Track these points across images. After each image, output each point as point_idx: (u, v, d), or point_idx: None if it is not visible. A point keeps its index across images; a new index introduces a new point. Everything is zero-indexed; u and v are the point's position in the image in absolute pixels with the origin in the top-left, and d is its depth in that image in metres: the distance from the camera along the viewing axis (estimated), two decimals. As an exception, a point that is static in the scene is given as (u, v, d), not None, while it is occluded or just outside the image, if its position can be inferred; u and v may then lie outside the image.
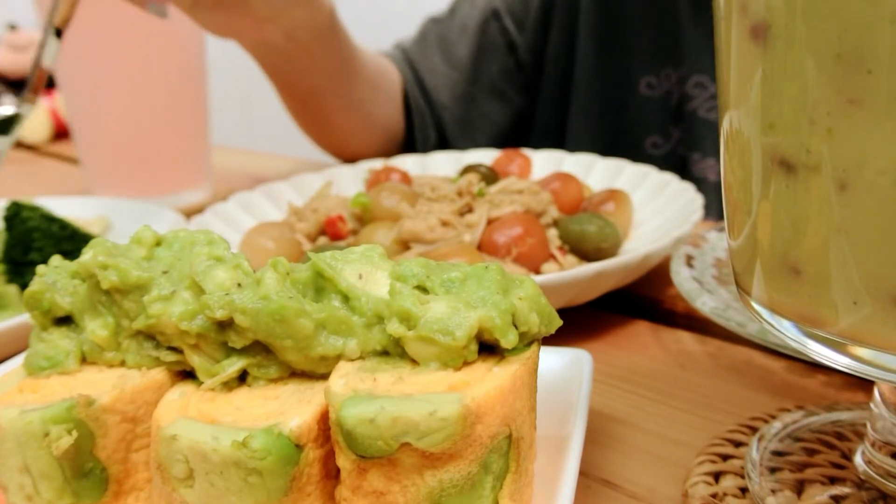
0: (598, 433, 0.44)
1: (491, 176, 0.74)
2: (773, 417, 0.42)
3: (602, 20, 1.10)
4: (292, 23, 0.87)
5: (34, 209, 0.69)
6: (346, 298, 0.34)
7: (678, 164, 1.10)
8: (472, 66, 1.12)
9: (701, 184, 1.06)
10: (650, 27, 1.08)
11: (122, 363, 0.36)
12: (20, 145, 1.52)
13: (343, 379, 0.32)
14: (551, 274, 0.53)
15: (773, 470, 0.37)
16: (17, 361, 0.43)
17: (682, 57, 1.07)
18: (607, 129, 1.13)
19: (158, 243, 0.38)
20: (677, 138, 1.10)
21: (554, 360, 0.43)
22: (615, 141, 1.12)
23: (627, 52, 1.10)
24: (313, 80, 0.97)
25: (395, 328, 0.32)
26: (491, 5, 1.12)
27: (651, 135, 1.12)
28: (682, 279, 0.57)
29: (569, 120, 1.17)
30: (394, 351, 0.33)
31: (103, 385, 0.35)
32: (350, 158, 1.04)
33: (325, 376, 0.34)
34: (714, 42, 0.32)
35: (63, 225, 0.69)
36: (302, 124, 1.08)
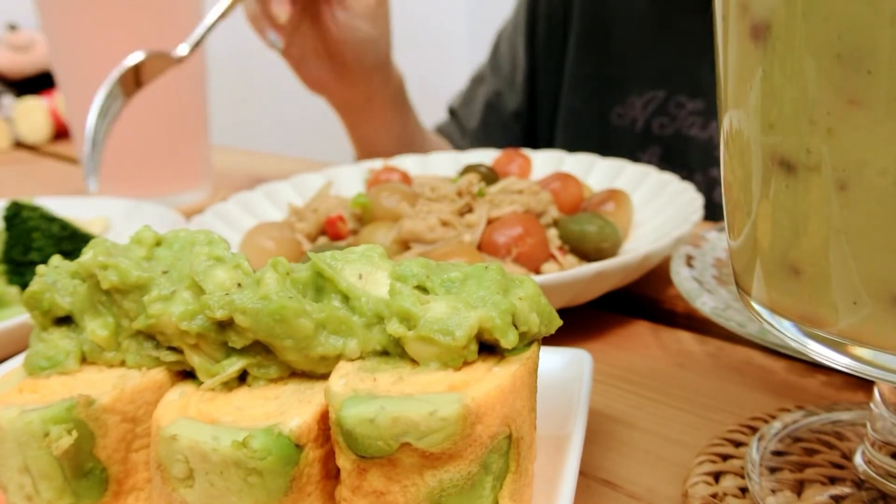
0: (598, 433, 0.44)
1: (491, 176, 0.74)
2: (773, 417, 0.42)
3: (586, 59, 1.18)
4: (371, 87, 1.04)
5: (34, 209, 0.69)
6: (346, 298, 0.34)
7: None
8: (482, 135, 1.30)
9: None
10: (629, 58, 1.14)
11: (122, 363, 0.36)
12: (20, 145, 1.52)
13: (343, 379, 0.32)
14: (551, 274, 0.53)
15: (773, 470, 0.37)
16: (17, 361, 0.43)
17: (656, 82, 1.12)
18: None
19: (158, 243, 0.38)
20: (647, 162, 1.14)
21: (554, 360, 0.43)
22: None
23: (602, 86, 1.17)
24: (383, 141, 1.12)
25: (395, 328, 0.32)
26: (493, 89, 1.29)
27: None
28: (682, 279, 0.57)
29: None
30: (394, 351, 0.33)
31: (103, 385, 0.35)
32: None
33: (325, 376, 0.34)
34: (714, 42, 0.32)
35: (63, 225, 0.69)
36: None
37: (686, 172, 1.10)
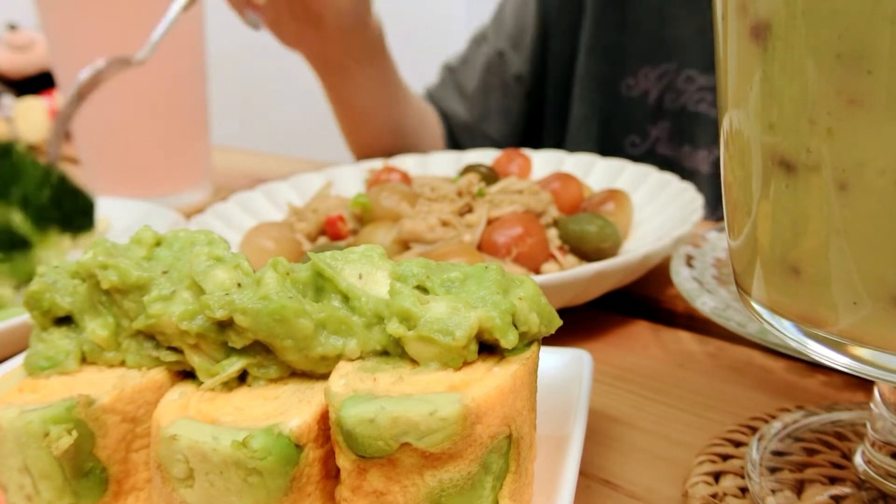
0: (598, 433, 0.44)
1: (491, 176, 0.74)
2: (773, 417, 0.42)
3: (601, 30, 1.14)
4: (351, 43, 0.99)
5: (27, 154, 0.68)
6: (346, 298, 0.34)
7: (657, 162, 1.12)
8: (481, 96, 1.25)
9: (694, 176, 1.08)
10: (641, 29, 1.11)
11: (122, 363, 0.36)
12: (20, 145, 1.52)
13: (343, 379, 0.32)
14: (551, 274, 0.53)
15: (773, 470, 0.37)
16: (17, 361, 0.43)
17: (670, 53, 1.09)
18: (594, 132, 1.18)
19: (158, 243, 0.38)
20: (656, 136, 1.13)
21: (554, 360, 0.43)
22: (601, 143, 1.17)
23: (617, 55, 1.14)
24: (365, 101, 1.07)
25: (395, 328, 0.32)
26: (495, 48, 1.24)
27: (629, 135, 1.16)
28: (682, 279, 0.57)
29: (568, 129, 1.22)
30: (394, 351, 0.33)
31: (103, 385, 0.35)
32: None
33: (325, 376, 0.34)
34: (713, 42, 0.32)
35: (49, 171, 0.68)
36: (352, 144, 1.17)
37: (691, 148, 1.09)
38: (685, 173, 1.06)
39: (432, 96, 1.30)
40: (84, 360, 0.37)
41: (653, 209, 0.72)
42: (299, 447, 0.30)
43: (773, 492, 0.35)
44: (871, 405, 0.35)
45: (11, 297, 0.66)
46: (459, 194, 0.68)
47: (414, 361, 0.33)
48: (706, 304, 0.53)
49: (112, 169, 1.02)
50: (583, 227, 0.63)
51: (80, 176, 1.12)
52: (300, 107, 2.43)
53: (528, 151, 0.86)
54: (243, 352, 0.34)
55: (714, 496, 0.36)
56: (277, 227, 0.69)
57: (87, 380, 0.35)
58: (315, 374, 0.34)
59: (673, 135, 1.10)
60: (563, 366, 0.43)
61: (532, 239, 0.60)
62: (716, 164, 1.04)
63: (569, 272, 0.53)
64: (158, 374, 0.35)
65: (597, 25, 1.14)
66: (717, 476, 0.38)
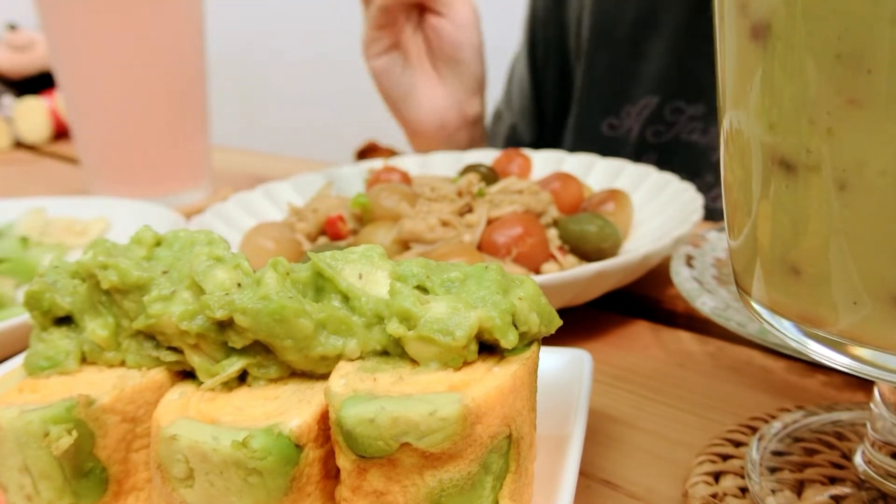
0: (598, 433, 0.44)
1: (491, 176, 0.74)
2: (773, 417, 0.42)
3: (586, 75, 1.17)
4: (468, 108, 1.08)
5: None
6: (346, 298, 0.34)
7: None
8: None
9: None
10: (624, 67, 1.13)
11: (122, 363, 0.36)
12: (20, 145, 1.53)
13: (343, 379, 0.32)
14: (551, 274, 0.53)
15: (773, 470, 0.37)
16: (17, 361, 0.43)
17: (652, 88, 1.10)
18: None
19: (158, 243, 0.38)
20: None
21: (554, 360, 0.43)
22: None
23: (603, 97, 1.16)
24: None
25: (395, 328, 0.32)
26: (509, 123, 1.30)
27: None
28: (682, 279, 0.57)
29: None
30: (394, 351, 0.33)
31: (103, 385, 0.35)
32: None
33: (325, 376, 0.34)
34: (714, 42, 0.32)
35: None
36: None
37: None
38: None
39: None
40: (84, 360, 0.37)
41: (653, 209, 0.72)
42: (299, 447, 0.30)
43: (773, 492, 0.35)
44: (871, 405, 0.35)
45: (11, 296, 0.66)
46: (459, 194, 0.68)
47: (414, 361, 0.33)
48: (706, 304, 0.53)
49: (112, 169, 1.02)
50: (583, 227, 0.63)
51: (80, 176, 1.12)
52: (300, 107, 2.43)
53: (528, 151, 0.86)
54: (243, 352, 0.34)
55: (714, 496, 0.36)
56: (277, 227, 0.69)
57: (87, 380, 0.35)
58: (315, 374, 0.34)
59: (661, 166, 1.12)
60: (563, 366, 0.43)
61: (532, 239, 0.60)
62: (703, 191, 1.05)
63: (569, 272, 0.53)
64: (158, 374, 0.35)
65: (581, 75, 1.17)
66: (717, 476, 0.38)
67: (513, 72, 1.33)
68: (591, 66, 1.15)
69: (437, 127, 1.09)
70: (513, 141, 1.29)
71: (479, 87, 1.10)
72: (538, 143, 1.27)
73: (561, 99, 1.24)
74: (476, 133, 1.13)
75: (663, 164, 1.06)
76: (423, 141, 1.11)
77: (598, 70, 1.14)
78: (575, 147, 1.17)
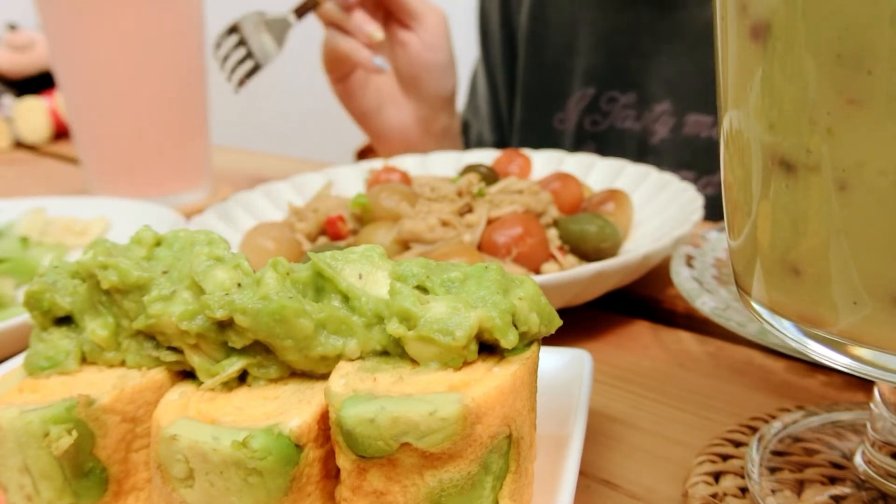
0: (598, 433, 0.44)
1: (491, 176, 0.74)
2: (773, 417, 0.42)
3: (530, 71, 1.20)
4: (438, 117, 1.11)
5: None
6: (346, 298, 0.34)
7: None
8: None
9: None
10: (564, 62, 1.16)
11: (122, 363, 0.36)
12: (20, 145, 1.53)
13: (343, 379, 0.32)
14: (551, 274, 0.53)
15: (773, 470, 0.37)
16: (17, 361, 0.43)
17: (587, 81, 1.13)
18: None
19: (158, 243, 0.38)
20: None
21: (554, 360, 0.43)
22: None
23: (547, 93, 1.19)
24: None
25: (395, 328, 0.32)
26: (477, 131, 1.32)
27: None
28: (682, 279, 0.57)
29: None
30: (394, 351, 0.33)
31: (103, 385, 0.35)
32: None
33: (325, 376, 0.34)
34: (714, 42, 0.32)
35: None
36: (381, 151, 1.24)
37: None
38: None
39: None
40: (84, 360, 0.37)
41: (653, 209, 0.72)
42: (299, 447, 0.30)
43: (773, 492, 0.35)
44: (871, 405, 0.35)
45: (11, 296, 0.66)
46: (459, 194, 0.68)
47: (414, 361, 0.33)
48: (706, 304, 0.53)
49: (112, 169, 1.02)
50: (583, 227, 0.63)
51: (80, 176, 1.12)
52: (300, 107, 2.43)
53: (528, 151, 0.86)
54: (243, 352, 0.34)
55: (714, 496, 0.36)
56: (277, 227, 0.69)
57: (87, 380, 0.35)
58: (315, 374, 0.34)
59: (600, 154, 1.15)
60: (563, 366, 0.43)
61: (532, 239, 0.60)
62: None
63: (569, 272, 0.53)
64: (158, 374, 0.35)
65: (525, 72, 1.19)
66: (717, 476, 0.38)
67: (475, 81, 1.35)
68: (532, 67, 1.18)
69: (400, 140, 1.11)
70: (478, 146, 1.31)
71: (447, 103, 1.12)
72: (501, 147, 1.29)
73: (512, 101, 1.26)
74: (444, 145, 1.14)
75: (602, 152, 1.08)
76: (387, 148, 1.13)
77: (538, 70, 1.17)
78: (526, 143, 1.19)
